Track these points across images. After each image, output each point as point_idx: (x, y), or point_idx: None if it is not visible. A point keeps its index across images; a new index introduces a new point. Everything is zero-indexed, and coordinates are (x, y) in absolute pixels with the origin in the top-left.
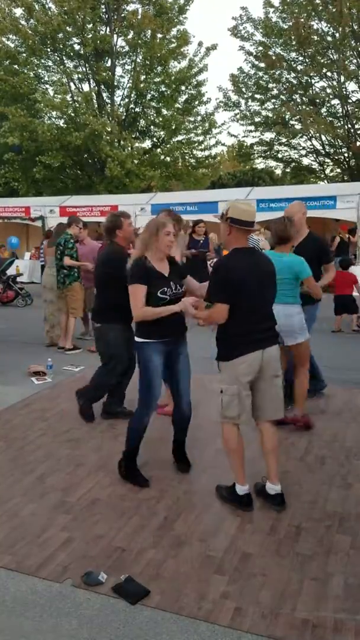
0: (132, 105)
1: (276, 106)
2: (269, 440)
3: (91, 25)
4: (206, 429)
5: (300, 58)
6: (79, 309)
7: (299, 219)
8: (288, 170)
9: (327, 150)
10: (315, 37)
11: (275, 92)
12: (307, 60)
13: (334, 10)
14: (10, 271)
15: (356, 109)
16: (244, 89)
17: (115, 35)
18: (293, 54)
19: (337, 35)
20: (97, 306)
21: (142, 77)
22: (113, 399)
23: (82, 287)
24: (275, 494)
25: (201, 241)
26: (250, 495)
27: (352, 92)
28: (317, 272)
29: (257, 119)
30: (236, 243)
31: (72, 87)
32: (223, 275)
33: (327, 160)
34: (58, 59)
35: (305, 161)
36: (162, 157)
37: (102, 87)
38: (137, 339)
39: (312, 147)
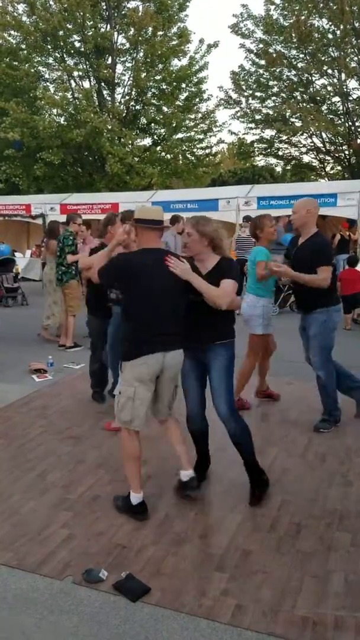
0: (132, 103)
1: (277, 104)
2: (173, 434)
3: (91, 22)
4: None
5: (301, 55)
6: (76, 307)
7: (298, 217)
8: (288, 167)
9: (327, 148)
10: (316, 35)
11: (275, 89)
12: (307, 57)
13: (335, 7)
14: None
15: (357, 107)
16: (244, 87)
17: (115, 33)
18: (294, 52)
19: (338, 32)
20: None
21: (143, 75)
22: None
23: (80, 284)
24: (190, 478)
25: None
26: (144, 504)
27: (353, 89)
28: (312, 273)
29: (257, 117)
30: (145, 243)
31: (73, 84)
32: (120, 263)
33: (328, 157)
34: (59, 56)
35: (306, 159)
36: (163, 154)
37: (103, 84)
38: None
39: (312, 144)
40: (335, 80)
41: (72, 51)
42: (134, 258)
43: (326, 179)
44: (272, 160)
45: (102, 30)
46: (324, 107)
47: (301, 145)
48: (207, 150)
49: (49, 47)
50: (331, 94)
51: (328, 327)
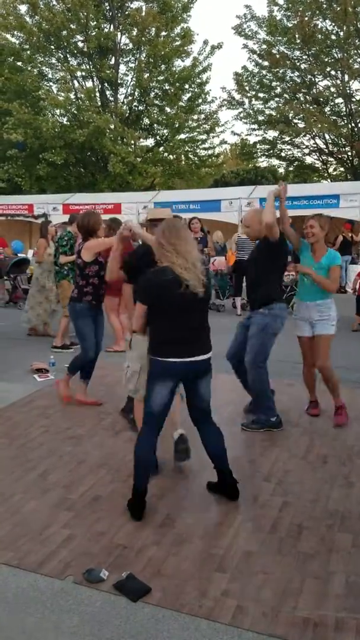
0: (135, 103)
1: (280, 105)
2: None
3: (95, 22)
4: None
5: (304, 56)
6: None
7: (252, 230)
8: (291, 168)
9: (330, 149)
10: (320, 36)
11: (279, 90)
12: (311, 58)
13: (338, 8)
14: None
15: None
16: (247, 88)
17: (119, 33)
18: (297, 53)
19: (341, 33)
20: None
21: (146, 75)
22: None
23: (71, 284)
24: (178, 437)
25: (199, 238)
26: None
27: (356, 91)
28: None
29: (260, 118)
30: None
31: (76, 84)
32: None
33: (331, 159)
34: (62, 56)
35: (309, 160)
36: (165, 154)
37: (106, 84)
38: None
39: (315, 145)
40: (338, 82)
41: (75, 51)
42: (149, 249)
43: (329, 180)
44: (275, 161)
45: (106, 30)
46: (327, 109)
47: (304, 147)
48: (210, 151)
49: (52, 47)
50: (334, 95)
51: (268, 331)
